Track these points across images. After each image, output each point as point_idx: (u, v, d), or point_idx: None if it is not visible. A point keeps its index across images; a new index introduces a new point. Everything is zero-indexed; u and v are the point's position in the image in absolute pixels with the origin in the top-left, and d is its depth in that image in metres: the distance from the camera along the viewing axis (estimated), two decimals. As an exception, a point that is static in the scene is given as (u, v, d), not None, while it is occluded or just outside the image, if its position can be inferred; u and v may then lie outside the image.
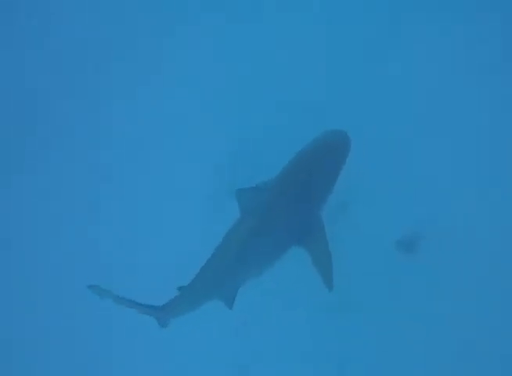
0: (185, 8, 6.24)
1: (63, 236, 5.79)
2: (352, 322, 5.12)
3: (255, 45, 5.93)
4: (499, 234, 5.17)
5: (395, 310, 5.09)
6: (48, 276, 5.72)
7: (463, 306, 5.04)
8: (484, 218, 5.20)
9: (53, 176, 5.96)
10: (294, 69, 5.71)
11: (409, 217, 5.26)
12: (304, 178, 3.95)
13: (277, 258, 4.04)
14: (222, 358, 5.28)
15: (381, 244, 5.22)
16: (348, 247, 4.93)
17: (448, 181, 5.33)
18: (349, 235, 5.07)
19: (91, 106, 6.12)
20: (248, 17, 6.10)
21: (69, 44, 6.32)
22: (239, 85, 5.78)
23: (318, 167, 4.01)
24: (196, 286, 3.97)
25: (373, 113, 5.50)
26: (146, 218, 5.66)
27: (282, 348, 5.20)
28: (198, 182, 5.62)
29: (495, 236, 5.16)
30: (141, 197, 5.77)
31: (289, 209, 3.93)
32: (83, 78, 6.19)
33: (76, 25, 6.39)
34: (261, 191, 4.02)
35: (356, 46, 5.77)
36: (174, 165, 5.77)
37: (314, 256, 3.98)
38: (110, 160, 5.91)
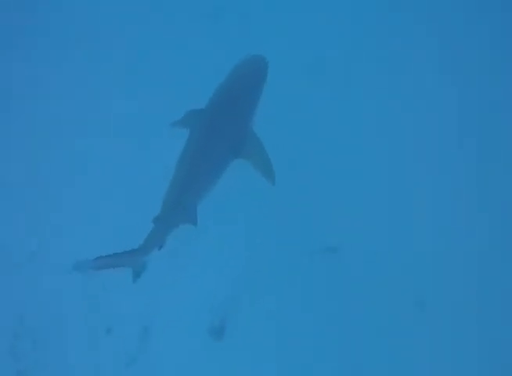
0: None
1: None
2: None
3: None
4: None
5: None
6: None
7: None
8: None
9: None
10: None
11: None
12: (233, 96, 4.66)
13: (222, 171, 4.65)
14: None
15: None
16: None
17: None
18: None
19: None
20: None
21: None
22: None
23: (242, 85, 4.71)
24: (163, 216, 4.41)
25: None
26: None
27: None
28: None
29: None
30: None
31: (224, 126, 4.59)
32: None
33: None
34: (196, 114, 4.70)
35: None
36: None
37: (253, 161, 4.63)
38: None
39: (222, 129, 4.58)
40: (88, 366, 5.27)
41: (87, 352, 5.31)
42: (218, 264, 5.62)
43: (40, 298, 5.48)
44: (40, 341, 5.37)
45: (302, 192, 5.75)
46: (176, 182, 4.48)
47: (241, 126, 4.68)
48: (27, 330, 5.39)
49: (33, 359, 5.31)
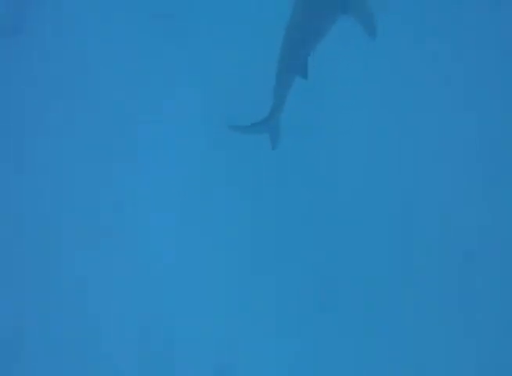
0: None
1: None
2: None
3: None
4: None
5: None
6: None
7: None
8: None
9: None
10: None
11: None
12: None
13: (331, 25, 5.02)
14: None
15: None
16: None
17: None
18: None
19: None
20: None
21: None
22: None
23: None
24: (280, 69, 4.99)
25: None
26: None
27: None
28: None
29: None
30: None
31: None
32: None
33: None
34: None
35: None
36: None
37: (357, 14, 4.98)
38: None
39: None
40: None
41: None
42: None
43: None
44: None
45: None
46: (289, 37, 4.96)
47: None
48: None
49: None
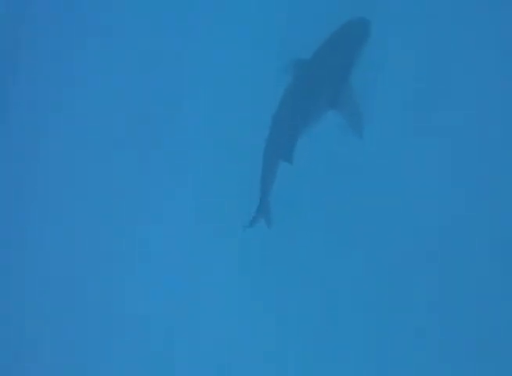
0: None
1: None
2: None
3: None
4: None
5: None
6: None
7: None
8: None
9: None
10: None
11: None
12: (336, 49, 5.16)
13: (318, 118, 5.23)
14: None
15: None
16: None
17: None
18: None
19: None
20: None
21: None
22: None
23: (344, 41, 5.18)
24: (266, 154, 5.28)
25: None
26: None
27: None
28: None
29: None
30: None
31: (324, 77, 5.14)
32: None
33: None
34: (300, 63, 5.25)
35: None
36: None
37: (344, 112, 5.13)
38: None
39: (322, 80, 5.14)
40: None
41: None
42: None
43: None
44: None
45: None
46: (277, 125, 5.22)
47: (340, 78, 5.17)
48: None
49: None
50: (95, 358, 6.33)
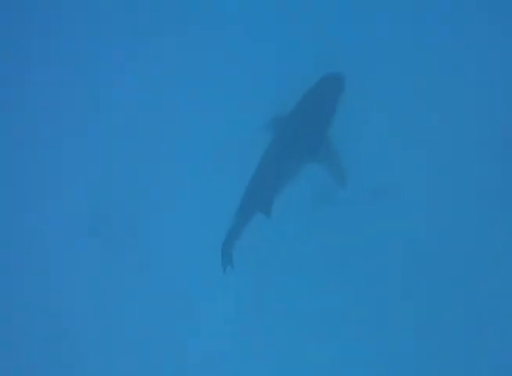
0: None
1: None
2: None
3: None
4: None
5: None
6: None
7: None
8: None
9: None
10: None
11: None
12: (316, 104, 5.32)
13: (298, 171, 5.39)
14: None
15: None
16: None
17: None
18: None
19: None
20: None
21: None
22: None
23: (323, 96, 5.35)
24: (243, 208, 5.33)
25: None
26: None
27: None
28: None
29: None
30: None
31: (304, 131, 5.30)
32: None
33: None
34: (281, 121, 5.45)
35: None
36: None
37: (325, 163, 5.35)
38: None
39: (303, 134, 5.31)
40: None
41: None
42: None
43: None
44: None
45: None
46: (260, 175, 5.32)
47: (319, 132, 5.36)
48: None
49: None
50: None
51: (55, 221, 6.85)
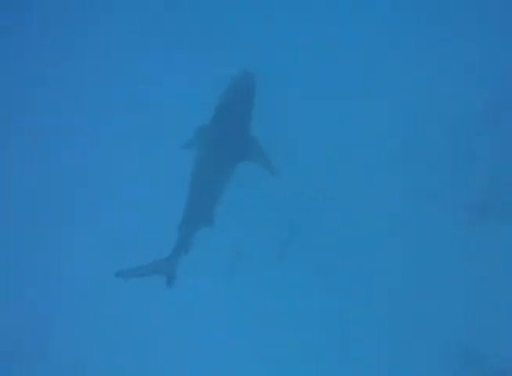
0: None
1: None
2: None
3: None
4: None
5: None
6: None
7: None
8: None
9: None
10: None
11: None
12: (234, 111, 5.50)
13: (231, 176, 5.46)
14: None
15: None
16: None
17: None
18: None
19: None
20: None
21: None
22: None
23: (238, 101, 5.53)
24: (186, 222, 5.32)
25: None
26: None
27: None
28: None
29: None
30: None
31: (229, 138, 5.48)
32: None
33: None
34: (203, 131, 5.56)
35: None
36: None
37: (255, 161, 5.51)
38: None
39: (228, 141, 5.46)
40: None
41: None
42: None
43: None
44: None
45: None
46: (194, 192, 5.37)
47: (243, 135, 5.53)
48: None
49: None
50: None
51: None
